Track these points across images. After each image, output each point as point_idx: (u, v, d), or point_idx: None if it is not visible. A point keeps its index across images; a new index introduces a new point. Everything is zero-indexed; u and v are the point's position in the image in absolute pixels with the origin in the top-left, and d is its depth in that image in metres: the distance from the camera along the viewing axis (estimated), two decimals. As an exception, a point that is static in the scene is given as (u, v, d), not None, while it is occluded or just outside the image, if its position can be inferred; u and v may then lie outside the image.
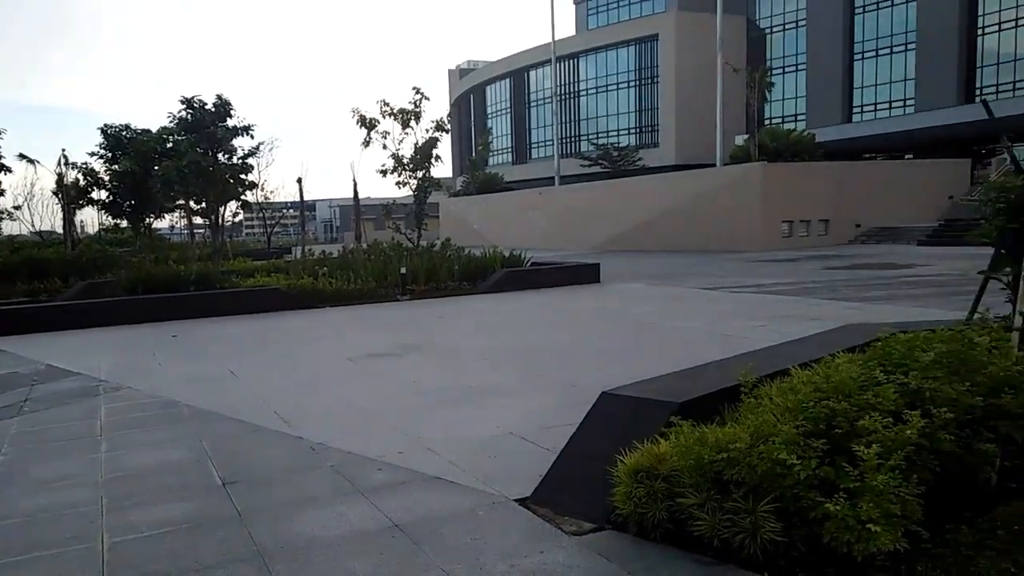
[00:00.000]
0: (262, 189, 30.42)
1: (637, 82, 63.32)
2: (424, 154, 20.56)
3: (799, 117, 59.19)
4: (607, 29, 66.46)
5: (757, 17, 63.58)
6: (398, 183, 20.93)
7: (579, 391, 6.62)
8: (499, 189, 52.57)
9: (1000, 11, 48.35)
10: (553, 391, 7.16)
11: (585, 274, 19.21)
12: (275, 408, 6.88)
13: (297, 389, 7.81)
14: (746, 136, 37.61)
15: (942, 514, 3.67)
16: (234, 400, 7.32)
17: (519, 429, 5.81)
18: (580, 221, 38.49)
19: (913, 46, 53.72)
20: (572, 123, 68.15)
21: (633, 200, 35.98)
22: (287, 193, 38.99)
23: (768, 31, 63.03)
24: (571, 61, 66.66)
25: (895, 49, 55.28)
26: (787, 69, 61.40)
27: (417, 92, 20.53)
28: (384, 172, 20.87)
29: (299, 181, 24.33)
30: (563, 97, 66.32)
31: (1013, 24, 47.20)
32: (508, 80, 74.84)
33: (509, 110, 75.58)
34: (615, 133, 63.45)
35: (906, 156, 46.79)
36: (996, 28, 49.03)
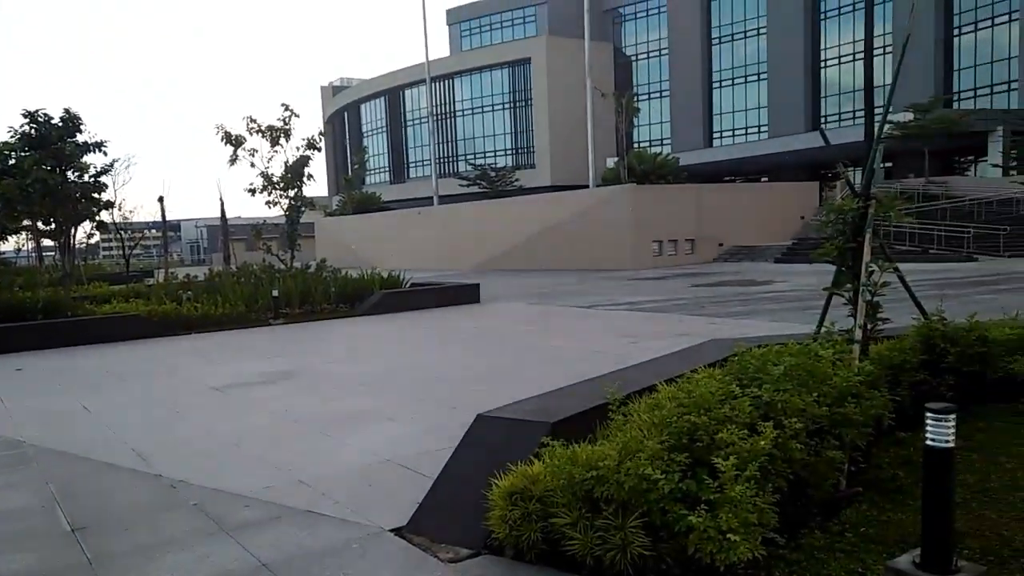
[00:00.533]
0: (119, 208, 28.54)
1: (512, 104, 64.57)
2: (295, 173, 20.00)
3: (665, 141, 62.23)
4: (481, 51, 67.47)
5: (623, 45, 66.53)
6: (268, 203, 20.23)
7: (458, 413, 6.60)
8: (377, 208, 51.95)
9: (839, 46, 53.02)
10: (432, 415, 7.10)
11: (465, 294, 19.26)
12: (132, 444, 6.43)
13: (157, 423, 7.34)
14: (616, 159, 39.11)
15: (796, 519, 3.91)
16: (86, 437, 6.79)
17: (396, 455, 5.71)
18: (460, 241, 38.64)
19: (765, 76, 57.88)
20: (450, 143, 68.51)
21: (512, 220, 36.53)
22: (149, 212, 36.87)
23: (634, 58, 66.07)
24: (446, 81, 67.11)
25: (749, 79, 59.35)
26: (652, 95, 64.52)
27: (286, 109, 19.99)
28: (252, 191, 20.12)
29: (160, 200, 23.09)
30: (439, 117, 66.59)
31: (851, 58, 51.82)
32: (383, 98, 74.35)
33: (385, 129, 75.04)
34: (492, 154, 64.32)
35: (762, 179, 50.19)
36: (836, 62, 53.70)
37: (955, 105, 45.40)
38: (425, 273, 28.97)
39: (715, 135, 61.53)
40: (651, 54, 65.09)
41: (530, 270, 32.52)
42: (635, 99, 48.26)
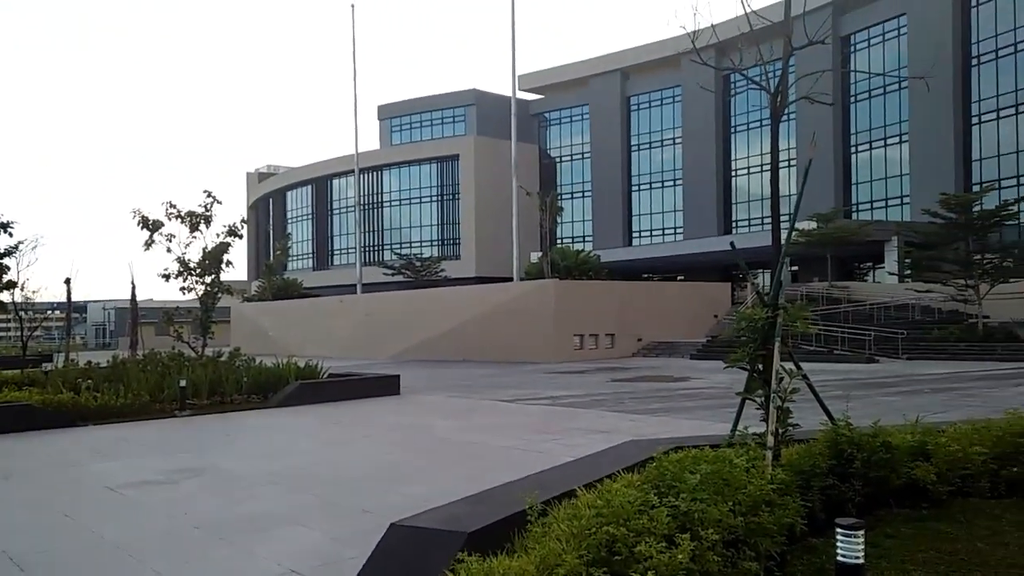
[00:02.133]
0: (22, 288, 27.09)
1: (439, 197, 65.68)
2: (214, 259, 19.53)
3: (587, 238, 64.19)
4: (411, 146, 68.94)
5: (548, 147, 69.29)
6: (183, 288, 19.59)
7: (372, 517, 6.34)
8: (297, 295, 51.04)
9: (748, 157, 56.66)
10: (344, 519, 6.79)
11: (385, 385, 18.88)
12: (11, 553, 5.87)
13: (42, 528, 6.76)
14: (540, 254, 39.95)
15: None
16: (-45, 546, 6.16)
17: (303, 565, 5.40)
18: (383, 330, 38.19)
19: (681, 182, 61.05)
20: (376, 232, 68.72)
21: (436, 310, 36.47)
22: (54, 294, 35.06)
23: (558, 159, 68.76)
24: (375, 173, 67.96)
25: (666, 184, 62.47)
26: (576, 195, 66.91)
27: (209, 195, 19.69)
28: (167, 276, 19.49)
29: (67, 282, 22.07)
30: (367, 207, 66.98)
31: (758, 169, 55.32)
32: (310, 186, 74.47)
33: (311, 216, 74.83)
34: (419, 244, 64.78)
35: (679, 277, 52.02)
36: (746, 171, 57.24)
37: (855, 216, 48.76)
38: (345, 362, 28.33)
39: (635, 234, 63.94)
40: (575, 156, 67.92)
41: (453, 361, 32.30)
42: (559, 198, 49.86)
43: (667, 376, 23.29)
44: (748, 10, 6.92)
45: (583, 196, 66.92)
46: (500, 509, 4.69)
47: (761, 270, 51.26)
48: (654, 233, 62.94)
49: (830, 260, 39.40)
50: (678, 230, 60.84)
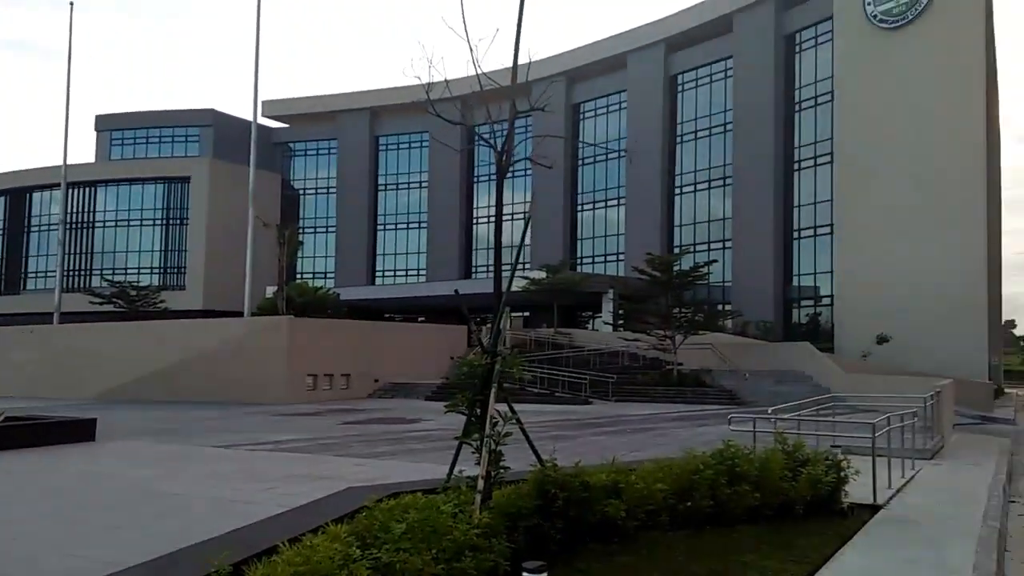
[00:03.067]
0: None
1: (164, 221, 60.34)
2: None
3: (328, 275, 62.83)
4: (133, 162, 62.72)
5: (292, 178, 67.17)
6: None
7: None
8: (-24, 323, 43.36)
9: (489, 206, 59.66)
10: (-5, 594, 5.70)
11: (78, 431, 16.52)
12: None
13: None
14: (275, 288, 38.21)
15: None
16: None
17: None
18: (83, 366, 33.66)
19: (425, 225, 62.49)
20: (84, 255, 61.09)
21: (151, 345, 33.03)
22: None
23: (302, 192, 66.90)
24: (88, 188, 60.73)
25: (411, 225, 63.56)
26: (319, 230, 65.42)
27: None
28: None
29: None
30: (75, 226, 59.48)
31: (508, 218, 58.35)
32: (5, 198, 64.47)
33: (2, 231, 64.66)
34: (136, 271, 58.58)
35: (419, 319, 52.76)
36: (486, 219, 60.16)
37: (579, 268, 53.36)
38: (34, 403, 24.47)
39: (378, 274, 63.90)
40: (320, 190, 66.55)
41: (168, 402, 29.35)
42: (300, 232, 48.37)
43: (400, 418, 23.28)
44: (479, 71, 7.27)
45: (327, 231, 65.64)
46: (192, 571, 4.24)
47: (491, 315, 53.78)
48: (398, 273, 63.44)
49: (556, 308, 42.51)
50: (421, 272, 61.94)
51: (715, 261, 39.56)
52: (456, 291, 7.89)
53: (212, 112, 64.49)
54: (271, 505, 8.27)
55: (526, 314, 52.14)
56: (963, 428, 21.73)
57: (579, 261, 55.57)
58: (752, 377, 31.34)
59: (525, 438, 7.07)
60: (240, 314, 36.70)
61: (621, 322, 38.53)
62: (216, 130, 63.59)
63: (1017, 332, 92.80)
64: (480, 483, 5.98)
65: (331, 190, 65.82)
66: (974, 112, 35.82)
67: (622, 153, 52.96)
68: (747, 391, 30.31)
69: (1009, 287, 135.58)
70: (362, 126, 63.78)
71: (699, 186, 50.61)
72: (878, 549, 7.29)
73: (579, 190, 56.87)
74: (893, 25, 38.11)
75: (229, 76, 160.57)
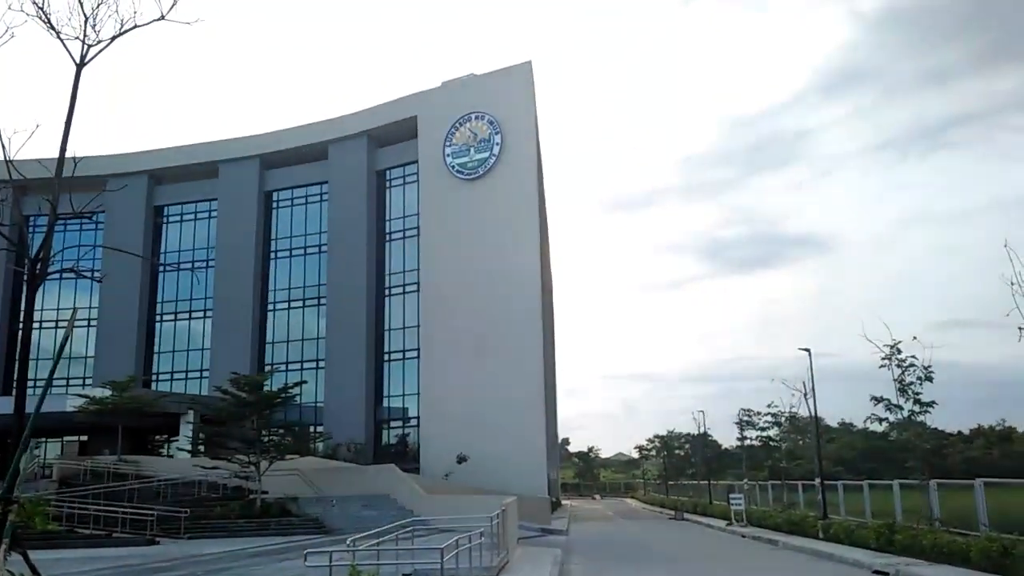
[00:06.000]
0: None
1: None
2: None
3: None
4: None
5: None
6: None
7: None
8: None
9: (42, 310, 50.71)
10: None
11: None
12: None
13: None
14: None
15: None
16: None
17: None
18: None
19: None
20: None
21: None
22: None
23: None
24: None
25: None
26: None
27: None
28: None
29: None
30: None
31: (53, 325, 49.83)
32: None
33: None
34: None
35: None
36: (38, 325, 50.88)
37: (155, 386, 47.83)
38: None
39: None
40: None
41: None
42: None
43: None
44: (9, 159, 6.02)
45: None
46: None
47: (46, 439, 44.93)
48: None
49: (122, 432, 36.96)
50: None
51: (306, 382, 38.63)
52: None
53: None
54: None
55: (83, 438, 44.64)
56: (526, 541, 23.93)
57: (156, 377, 50.02)
58: (340, 503, 30.69)
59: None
60: None
61: (202, 447, 35.10)
62: None
63: (571, 448, 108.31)
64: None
65: None
66: (530, 254, 41.89)
67: (211, 263, 50.26)
68: (334, 518, 29.55)
69: (562, 410, 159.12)
70: None
71: (293, 304, 50.09)
72: None
73: (160, 298, 52.01)
74: (469, 177, 43.49)
75: None
